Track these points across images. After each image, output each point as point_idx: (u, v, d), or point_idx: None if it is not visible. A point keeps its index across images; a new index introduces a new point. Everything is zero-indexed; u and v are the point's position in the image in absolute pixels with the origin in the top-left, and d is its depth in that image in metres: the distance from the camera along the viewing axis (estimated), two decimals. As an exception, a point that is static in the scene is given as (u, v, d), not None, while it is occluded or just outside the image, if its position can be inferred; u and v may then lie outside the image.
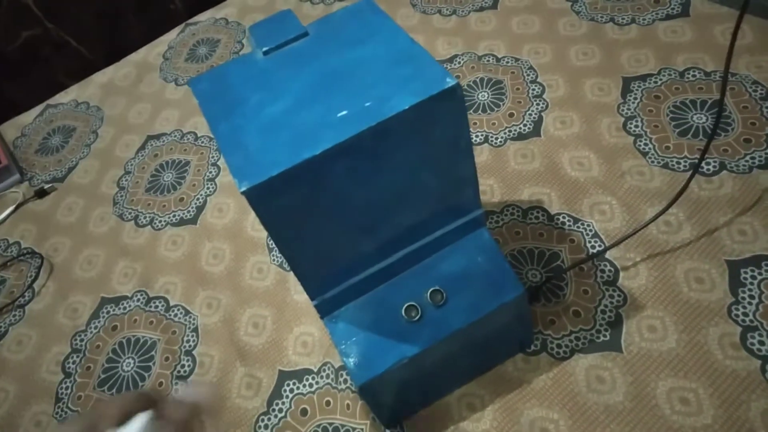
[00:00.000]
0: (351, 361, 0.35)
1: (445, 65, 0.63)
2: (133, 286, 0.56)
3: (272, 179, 0.27)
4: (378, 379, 0.35)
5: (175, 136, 0.69)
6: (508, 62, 0.62)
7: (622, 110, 0.54)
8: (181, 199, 0.62)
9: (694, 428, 0.36)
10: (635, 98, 0.54)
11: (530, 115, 0.57)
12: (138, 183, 0.65)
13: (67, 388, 0.51)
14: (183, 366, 0.49)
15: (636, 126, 0.52)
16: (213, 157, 0.65)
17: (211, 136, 0.67)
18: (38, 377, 0.52)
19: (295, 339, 0.48)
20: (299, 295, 0.50)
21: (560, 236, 0.47)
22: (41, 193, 0.68)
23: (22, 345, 0.55)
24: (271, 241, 0.49)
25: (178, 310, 0.53)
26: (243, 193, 0.27)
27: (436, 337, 0.35)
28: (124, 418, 0.23)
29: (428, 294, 0.36)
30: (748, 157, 0.47)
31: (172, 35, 0.83)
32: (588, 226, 0.47)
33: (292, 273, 0.52)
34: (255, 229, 0.56)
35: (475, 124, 0.57)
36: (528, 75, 0.60)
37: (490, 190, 0.52)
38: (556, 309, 0.43)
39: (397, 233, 0.35)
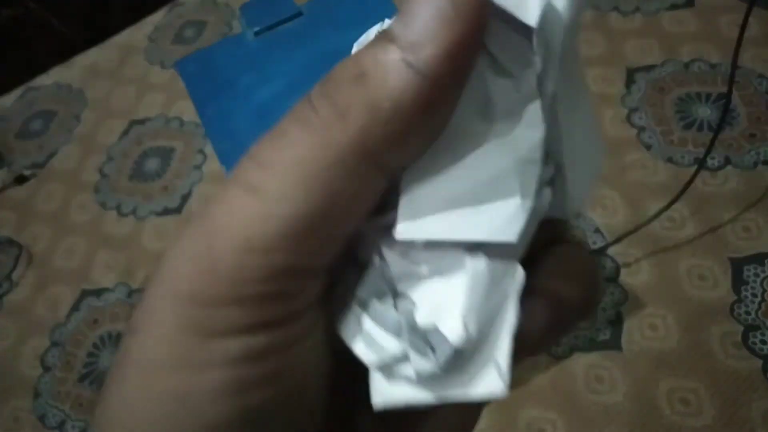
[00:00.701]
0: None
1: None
2: (115, 278, 0.54)
3: None
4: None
5: (159, 121, 0.66)
6: (507, 50, 0.60)
7: (626, 102, 0.52)
8: (166, 188, 0.60)
9: (694, 429, 0.36)
10: (639, 89, 0.53)
11: (530, 105, 0.55)
12: (121, 170, 0.63)
13: (46, 383, 0.49)
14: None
15: (640, 118, 0.51)
16: (199, 144, 0.63)
17: (198, 122, 0.65)
18: (16, 371, 0.50)
19: (285, 334, 0.46)
20: (290, 288, 0.48)
21: (560, 231, 0.46)
22: (21, 180, 0.65)
23: (-2, 338, 0.53)
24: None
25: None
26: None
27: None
28: None
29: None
30: (753, 153, 0.46)
31: (158, 16, 0.79)
32: (589, 221, 0.46)
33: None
34: (244, 219, 0.54)
35: (473, 113, 0.56)
36: (528, 64, 0.58)
37: (489, 182, 0.50)
38: (556, 306, 0.42)
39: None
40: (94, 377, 0.48)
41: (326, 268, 0.10)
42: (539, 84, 0.10)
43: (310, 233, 0.09)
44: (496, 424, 0.38)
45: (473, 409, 0.15)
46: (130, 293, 0.52)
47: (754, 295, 0.40)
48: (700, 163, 0.39)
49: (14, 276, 0.57)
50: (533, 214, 0.10)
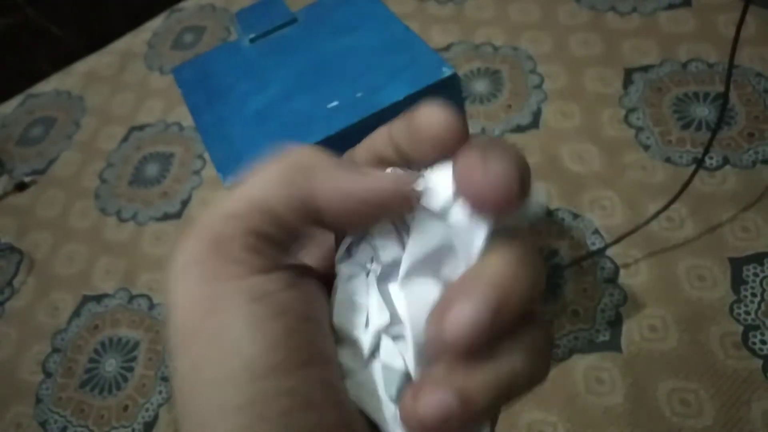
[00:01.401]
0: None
1: (440, 54, 0.61)
2: (116, 284, 0.54)
3: None
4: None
5: (159, 127, 0.67)
6: (505, 51, 0.60)
7: (624, 102, 0.52)
8: (165, 193, 0.60)
9: (694, 429, 0.35)
10: (637, 90, 0.53)
11: (529, 106, 0.55)
12: (121, 176, 0.63)
13: (47, 389, 0.49)
14: (167, 367, 0.47)
15: (638, 118, 0.51)
16: (198, 149, 0.63)
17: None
18: (18, 377, 0.50)
19: (284, 339, 0.46)
20: (289, 292, 0.49)
21: (559, 232, 0.46)
22: (21, 186, 0.65)
23: (1, 344, 0.53)
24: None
25: (162, 308, 0.51)
26: (227, 188, 0.26)
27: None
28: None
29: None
30: (751, 152, 0.46)
31: (157, 22, 0.80)
32: (588, 222, 0.46)
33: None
34: (243, 224, 0.54)
35: (471, 115, 0.56)
36: (526, 65, 0.58)
37: (487, 184, 0.50)
38: (555, 308, 0.42)
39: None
40: (96, 383, 0.48)
41: (290, 238, 0.14)
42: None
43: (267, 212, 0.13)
44: (498, 427, 0.38)
45: None
46: (131, 298, 0.52)
47: (754, 295, 0.40)
48: (699, 163, 0.39)
49: (15, 282, 0.57)
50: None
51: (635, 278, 0.42)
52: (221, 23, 0.76)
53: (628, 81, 0.54)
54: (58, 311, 0.54)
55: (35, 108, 0.75)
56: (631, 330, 0.40)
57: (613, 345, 0.40)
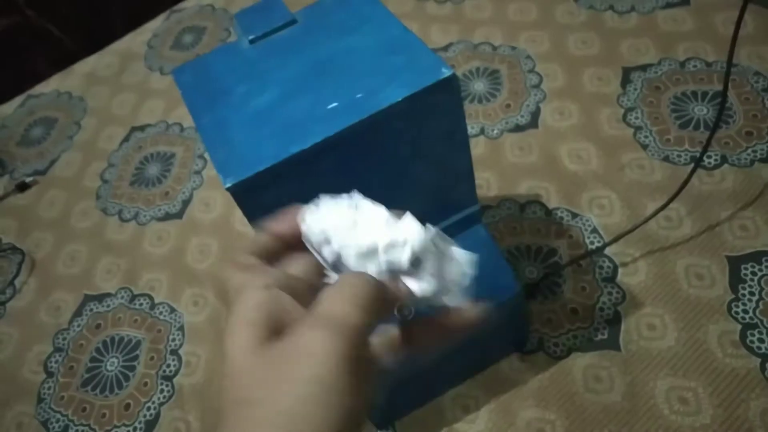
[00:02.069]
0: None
1: (439, 54, 0.61)
2: (117, 283, 0.54)
3: (258, 175, 0.26)
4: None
5: (160, 127, 0.67)
6: (504, 51, 0.60)
7: (622, 101, 0.53)
8: (167, 193, 0.60)
9: (693, 428, 0.36)
10: (635, 89, 0.53)
11: (527, 106, 0.55)
12: (122, 176, 0.63)
13: (49, 388, 0.49)
14: (169, 366, 0.47)
15: (636, 117, 0.51)
16: (199, 149, 0.63)
17: (198, 127, 0.65)
18: (20, 377, 0.51)
19: (285, 338, 0.46)
20: (289, 292, 0.49)
21: (558, 231, 0.46)
22: (22, 187, 0.66)
23: (3, 344, 0.53)
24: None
25: (164, 307, 0.51)
26: (228, 189, 0.26)
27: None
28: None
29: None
30: (749, 151, 0.46)
31: (156, 22, 0.80)
32: (587, 221, 0.46)
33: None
34: (243, 224, 0.55)
35: (470, 115, 0.56)
36: (525, 64, 0.58)
37: (486, 183, 0.50)
38: (554, 306, 0.42)
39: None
40: (97, 382, 0.48)
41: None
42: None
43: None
44: (496, 425, 0.39)
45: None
46: (132, 298, 0.53)
47: (752, 294, 0.40)
48: (697, 162, 0.39)
49: (17, 282, 0.57)
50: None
51: (634, 277, 0.42)
52: (221, 24, 0.76)
53: (626, 80, 0.54)
54: (60, 311, 0.54)
55: (36, 109, 0.75)
56: (630, 328, 0.40)
57: (612, 343, 0.40)
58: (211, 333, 0.48)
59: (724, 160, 0.46)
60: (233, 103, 0.30)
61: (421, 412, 0.40)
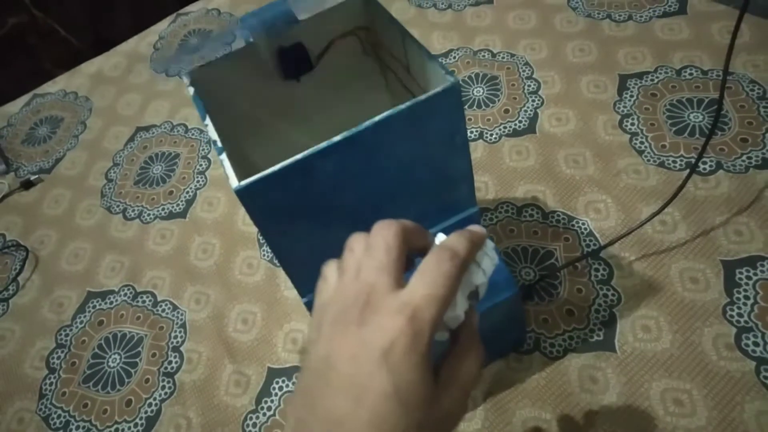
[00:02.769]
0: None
1: (440, 60, 0.62)
2: (120, 281, 0.55)
3: (265, 177, 0.27)
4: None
5: (165, 127, 0.68)
6: (503, 58, 0.61)
7: (618, 108, 0.53)
8: (171, 192, 0.61)
9: (687, 430, 0.36)
10: (631, 96, 0.54)
11: (525, 111, 0.56)
12: (126, 175, 0.64)
13: (51, 384, 0.50)
14: (170, 362, 0.48)
15: (632, 124, 0.52)
16: (203, 149, 0.64)
17: (202, 128, 0.66)
18: (21, 372, 0.51)
19: (284, 336, 0.47)
20: (289, 291, 0.49)
21: (555, 234, 0.47)
22: (27, 185, 0.66)
23: (5, 340, 0.54)
24: (262, 237, 0.48)
25: (166, 305, 0.52)
26: (236, 190, 0.27)
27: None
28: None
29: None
30: (744, 157, 0.47)
31: (162, 25, 0.81)
32: (583, 224, 0.47)
33: (282, 269, 0.51)
34: (245, 223, 0.55)
35: (469, 119, 0.57)
36: (524, 71, 0.59)
37: (485, 187, 0.51)
38: (550, 308, 0.43)
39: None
40: (99, 378, 0.49)
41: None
42: None
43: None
44: (492, 424, 0.39)
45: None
46: (135, 295, 0.53)
47: (747, 298, 0.40)
48: (693, 168, 0.40)
49: (21, 279, 0.58)
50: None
51: (629, 280, 0.43)
52: (226, 27, 0.77)
53: (623, 87, 0.55)
54: (63, 307, 0.54)
55: (42, 108, 0.76)
56: (625, 330, 0.41)
57: (607, 345, 0.40)
58: (213, 330, 0.49)
59: (719, 166, 0.47)
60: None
61: (419, 411, 0.40)
